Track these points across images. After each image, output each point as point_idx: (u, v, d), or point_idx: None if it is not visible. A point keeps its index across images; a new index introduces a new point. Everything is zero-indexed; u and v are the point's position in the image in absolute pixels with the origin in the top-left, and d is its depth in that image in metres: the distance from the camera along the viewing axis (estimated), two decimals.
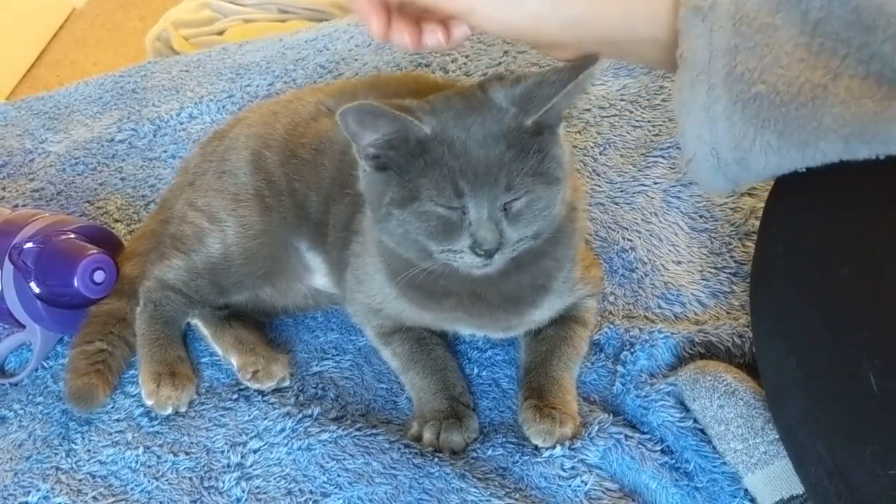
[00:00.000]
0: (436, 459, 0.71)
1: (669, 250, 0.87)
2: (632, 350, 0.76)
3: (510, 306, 0.72)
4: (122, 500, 0.74)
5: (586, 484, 0.68)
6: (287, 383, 0.82)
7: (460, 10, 0.57)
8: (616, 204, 0.93)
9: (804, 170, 0.51)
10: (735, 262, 0.84)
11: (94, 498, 0.74)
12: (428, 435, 0.73)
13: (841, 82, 0.47)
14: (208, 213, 0.85)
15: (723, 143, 0.52)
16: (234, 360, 0.83)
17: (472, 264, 0.63)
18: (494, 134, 0.59)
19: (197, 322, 0.87)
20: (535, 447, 0.71)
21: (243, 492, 0.72)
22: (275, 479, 0.72)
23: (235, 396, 0.81)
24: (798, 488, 0.62)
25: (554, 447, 0.70)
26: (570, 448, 0.70)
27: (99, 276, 0.88)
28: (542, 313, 0.75)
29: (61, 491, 0.75)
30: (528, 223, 0.62)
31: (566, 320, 0.78)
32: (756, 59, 0.50)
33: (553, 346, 0.76)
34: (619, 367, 0.76)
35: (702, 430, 0.70)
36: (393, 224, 0.63)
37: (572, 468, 0.69)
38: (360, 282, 0.78)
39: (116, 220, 1.08)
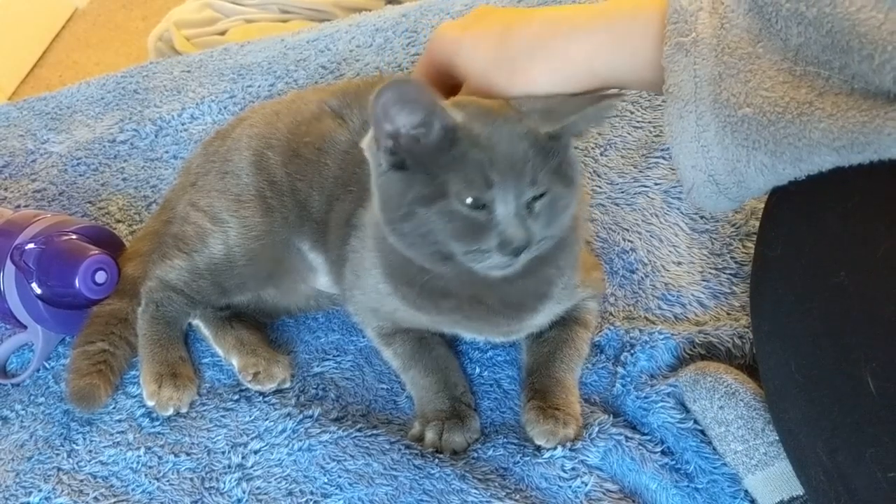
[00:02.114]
0: (436, 460, 0.71)
1: (670, 251, 0.87)
2: (632, 351, 0.76)
3: (510, 312, 0.71)
4: (123, 500, 0.74)
5: (587, 485, 0.68)
6: (288, 385, 0.82)
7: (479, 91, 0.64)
8: (617, 205, 0.93)
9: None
10: (735, 262, 0.84)
11: (96, 498, 0.74)
12: (430, 435, 0.73)
13: (827, 98, 0.48)
14: (210, 214, 0.85)
15: (718, 168, 0.53)
16: (235, 362, 0.83)
17: (498, 264, 0.62)
18: (518, 132, 0.60)
19: (198, 323, 0.87)
20: (537, 448, 0.71)
21: (244, 492, 0.72)
22: (275, 479, 0.73)
23: (236, 397, 0.81)
24: (798, 490, 0.62)
25: (555, 448, 0.70)
26: (570, 449, 0.70)
27: (100, 276, 0.88)
28: (541, 319, 0.75)
29: (63, 491, 0.75)
30: (550, 222, 0.63)
31: (568, 322, 0.78)
32: (740, 84, 0.51)
33: (555, 348, 0.76)
34: (620, 369, 0.76)
35: (702, 432, 0.70)
36: (414, 224, 0.62)
37: (573, 469, 0.69)
38: (357, 277, 0.77)
39: (118, 221, 1.08)
